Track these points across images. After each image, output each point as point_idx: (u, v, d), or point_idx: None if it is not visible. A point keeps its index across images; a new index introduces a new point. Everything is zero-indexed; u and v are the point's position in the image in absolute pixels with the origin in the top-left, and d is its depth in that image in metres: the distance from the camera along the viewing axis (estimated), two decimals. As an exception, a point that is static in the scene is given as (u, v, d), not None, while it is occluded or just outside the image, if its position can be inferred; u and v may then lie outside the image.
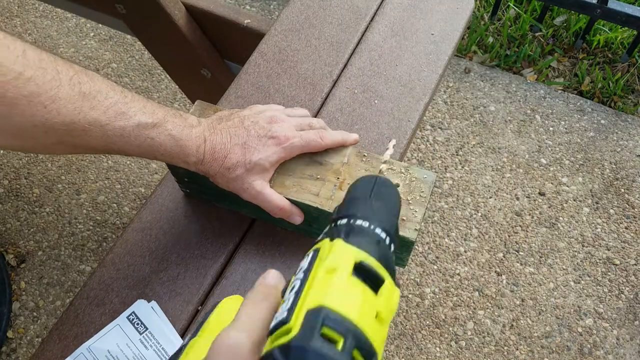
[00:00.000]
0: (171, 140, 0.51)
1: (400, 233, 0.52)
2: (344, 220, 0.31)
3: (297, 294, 0.27)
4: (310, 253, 0.30)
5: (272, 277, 0.32)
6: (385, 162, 0.56)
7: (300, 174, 0.56)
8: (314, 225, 0.58)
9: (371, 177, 0.36)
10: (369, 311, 0.27)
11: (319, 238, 0.31)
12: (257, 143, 0.53)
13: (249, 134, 0.54)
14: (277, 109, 0.59)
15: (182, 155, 0.52)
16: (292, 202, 0.55)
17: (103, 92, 0.47)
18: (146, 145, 0.50)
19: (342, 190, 0.54)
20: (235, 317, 0.28)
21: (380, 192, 0.34)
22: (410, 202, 0.54)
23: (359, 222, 0.31)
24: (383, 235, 0.31)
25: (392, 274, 0.29)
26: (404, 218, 0.53)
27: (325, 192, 0.54)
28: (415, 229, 0.52)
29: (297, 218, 0.56)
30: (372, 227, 0.31)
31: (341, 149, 0.58)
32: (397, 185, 0.50)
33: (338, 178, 0.55)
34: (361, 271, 0.27)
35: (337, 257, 0.28)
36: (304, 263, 0.29)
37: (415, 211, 0.53)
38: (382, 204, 0.33)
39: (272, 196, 0.54)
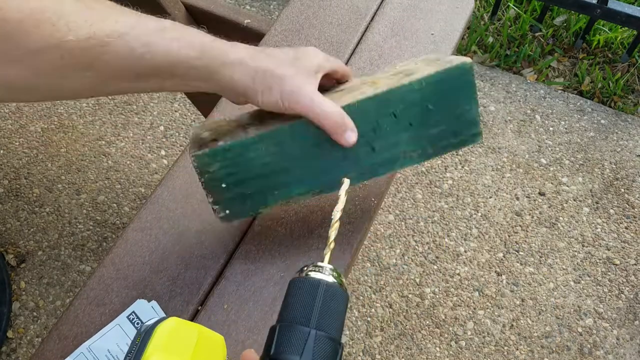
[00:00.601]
0: (199, 38, 0.45)
1: (456, 62, 0.50)
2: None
3: None
4: None
5: None
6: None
7: (353, 90, 0.53)
8: (377, 144, 0.52)
9: (314, 284, 0.34)
10: None
11: None
12: (297, 58, 0.50)
13: (288, 55, 0.50)
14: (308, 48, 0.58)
15: (219, 53, 0.46)
16: (351, 106, 0.50)
17: (109, 3, 0.42)
18: (177, 49, 0.43)
19: (384, 82, 0.52)
20: None
21: (326, 312, 0.32)
22: (446, 60, 0.53)
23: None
24: None
25: None
26: (447, 61, 0.51)
27: (371, 91, 0.51)
28: (469, 60, 0.51)
29: (351, 134, 0.49)
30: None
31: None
32: (344, 287, 0.38)
33: (375, 83, 0.53)
34: None
35: None
36: None
37: (456, 58, 0.52)
38: (328, 331, 0.31)
39: (326, 102, 0.48)
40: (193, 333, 0.38)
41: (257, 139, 0.49)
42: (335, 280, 0.34)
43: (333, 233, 0.40)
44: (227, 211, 0.52)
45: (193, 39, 0.45)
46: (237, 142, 0.49)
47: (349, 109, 0.49)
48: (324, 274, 0.35)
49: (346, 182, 0.43)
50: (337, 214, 0.41)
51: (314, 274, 0.34)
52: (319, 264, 0.36)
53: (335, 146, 0.50)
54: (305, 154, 0.51)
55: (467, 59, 0.52)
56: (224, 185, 0.50)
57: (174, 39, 0.44)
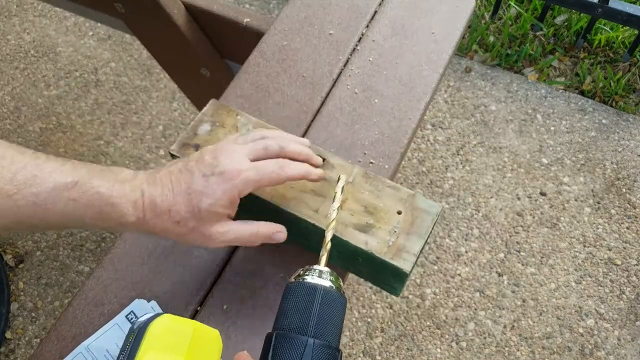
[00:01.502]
0: (99, 199, 0.43)
1: (395, 263, 0.50)
2: None
3: None
4: None
5: None
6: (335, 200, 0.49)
7: (302, 187, 0.54)
8: (311, 240, 0.56)
9: (311, 289, 0.33)
10: None
11: None
12: (203, 185, 0.45)
13: (192, 177, 0.45)
14: (229, 139, 0.50)
15: (116, 215, 0.44)
16: (289, 214, 0.53)
17: (7, 157, 0.41)
18: (69, 210, 0.42)
19: (342, 210, 0.53)
20: None
21: (324, 319, 0.31)
22: (409, 232, 0.52)
23: None
24: None
25: None
26: (401, 248, 0.51)
27: (324, 210, 0.53)
28: (411, 262, 0.50)
29: (280, 235, 0.50)
30: None
31: (347, 166, 0.55)
32: (340, 288, 0.37)
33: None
34: None
35: None
36: None
37: (414, 242, 0.51)
38: (327, 339, 0.30)
39: (241, 229, 0.47)
40: (188, 329, 0.38)
41: None
42: (332, 285, 0.33)
43: (329, 233, 0.39)
44: None
45: (93, 200, 0.43)
46: None
47: (292, 215, 0.52)
48: (321, 278, 0.33)
49: (342, 177, 0.41)
50: (333, 212, 0.40)
51: (310, 279, 0.33)
52: (315, 267, 0.35)
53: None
54: (269, 215, 0.55)
55: (414, 249, 0.50)
56: None
57: (71, 199, 0.42)
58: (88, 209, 0.43)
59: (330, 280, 0.34)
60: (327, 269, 0.35)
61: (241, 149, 0.48)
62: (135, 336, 0.40)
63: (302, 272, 0.35)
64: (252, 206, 0.56)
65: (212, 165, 0.46)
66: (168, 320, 0.39)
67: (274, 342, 0.30)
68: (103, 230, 0.42)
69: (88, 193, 0.43)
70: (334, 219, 0.38)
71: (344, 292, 0.34)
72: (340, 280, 0.36)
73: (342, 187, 0.41)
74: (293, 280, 0.34)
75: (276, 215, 0.54)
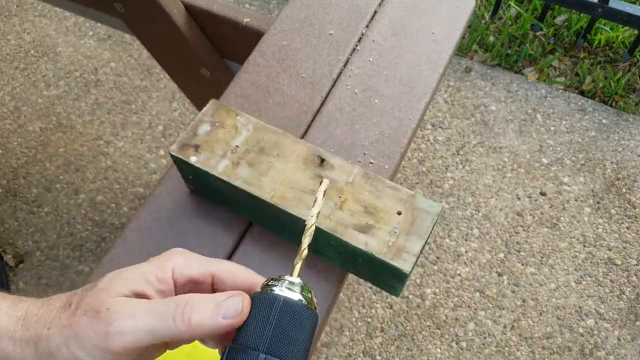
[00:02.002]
0: None
1: (395, 263, 0.49)
2: None
3: None
4: None
5: None
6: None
7: (301, 187, 0.54)
8: (311, 241, 0.56)
9: (270, 299, 0.29)
10: None
11: None
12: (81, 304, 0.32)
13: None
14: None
15: None
16: (288, 214, 0.53)
17: None
18: None
19: (342, 211, 0.53)
20: None
21: (282, 334, 0.28)
22: (409, 232, 0.51)
23: None
24: None
25: None
26: (401, 248, 0.50)
27: (324, 210, 0.53)
28: (411, 262, 0.50)
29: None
30: None
31: (347, 166, 0.55)
32: (310, 305, 0.32)
33: (340, 197, 0.53)
34: None
35: None
36: None
37: (414, 242, 0.51)
38: (280, 358, 0.27)
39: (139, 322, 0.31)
40: (185, 349, 0.36)
41: (223, 184, 0.55)
42: (301, 298, 0.29)
43: (306, 240, 0.33)
44: (192, 187, 0.61)
45: None
46: (205, 171, 0.54)
47: (291, 215, 0.52)
48: (290, 290, 0.30)
49: (325, 182, 0.37)
50: (311, 218, 0.35)
51: (276, 290, 0.29)
52: (286, 277, 0.30)
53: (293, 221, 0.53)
54: (261, 216, 0.57)
55: (414, 250, 0.50)
56: (190, 177, 0.58)
57: None
58: None
59: (299, 293, 0.30)
60: (298, 280, 0.31)
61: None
62: None
63: (270, 281, 0.31)
64: (251, 205, 0.56)
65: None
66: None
67: (226, 357, 0.28)
68: None
69: None
70: (312, 224, 0.34)
71: (315, 308, 0.30)
72: (314, 295, 0.32)
73: (324, 192, 0.36)
74: (259, 290, 0.31)
75: (276, 215, 0.54)
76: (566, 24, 1.68)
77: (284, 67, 0.71)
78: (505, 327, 1.24)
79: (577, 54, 1.65)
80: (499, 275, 1.31)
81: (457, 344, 1.22)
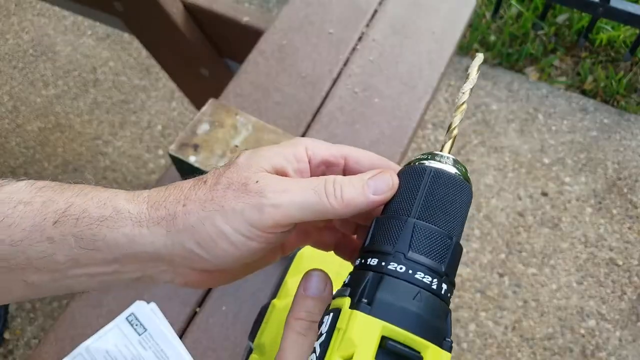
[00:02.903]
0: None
1: None
2: (374, 261, 0.24)
3: None
4: (331, 314, 0.24)
5: (316, 287, 0.27)
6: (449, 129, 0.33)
7: None
8: None
9: (420, 170, 0.26)
10: None
11: (340, 289, 0.25)
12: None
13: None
14: None
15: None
16: None
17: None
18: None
19: None
20: (281, 352, 0.25)
21: (433, 201, 0.25)
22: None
23: (392, 265, 0.24)
24: (428, 278, 0.23)
25: (438, 333, 0.23)
26: None
27: None
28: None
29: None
30: (410, 272, 0.23)
31: None
32: (467, 180, 0.29)
33: None
34: (389, 351, 0.22)
35: (354, 336, 0.22)
36: (324, 327, 0.24)
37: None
38: (435, 223, 0.25)
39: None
40: (333, 259, 0.36)
41: None
42: (454, 169, 0.27)
43: (458, 117, 0.30)
44: None
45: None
46: (205, 170, 0.54)
47: None
48: (440, 162, 0.27)
49: (479, 56, 0.33)
50: (464, 95, 0.31)
51: (426, 162, 0.27)
52: (436, 152, 0.28)
53: None
54: None
55: None
56: (188, 177, 0.58)
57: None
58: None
59: (452, 165, 0.27)
60: (451, 156, 0.28)
61: None
62: (285, 265, 0.41)
63: (419, 156, 0.28)
64: None
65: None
66: (315, 250, 0.37)
67: (374, 226, 0.26)
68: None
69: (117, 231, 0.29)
70: (464, 101, 0.30)
71: (469, 180, 0.28)
72: (467, 169, 0.29)
73: (478, 67, 0.32)
74: (404, 166, 0.29)
75: None
76: (567, 23, 1.67)
77: (284, 67, 0.70)
78: (506, 328, 1.24)
79: (579, 54, 1.65)
80: (500, 275, 1.30)
81: (458, 345, 1.22)
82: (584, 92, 1.59)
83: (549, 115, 1.53)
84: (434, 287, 0.24)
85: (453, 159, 0.28)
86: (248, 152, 0.30)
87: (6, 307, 1.23)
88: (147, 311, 0.56)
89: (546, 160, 1.46)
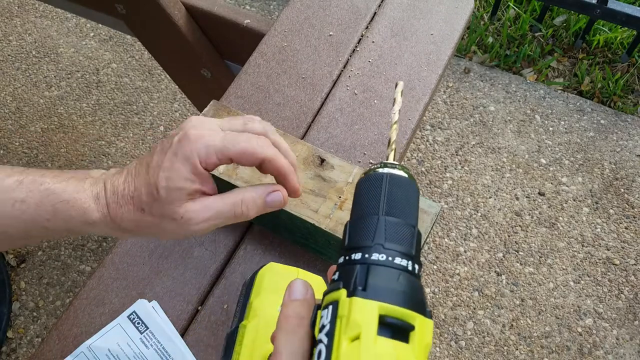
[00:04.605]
0: (51, 197, 0.38)
1: None
2: (358, 255, 0.28)
3: None
4: (330, 307, 0.27)
5: (300, 291, 0.30)
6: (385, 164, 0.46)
7: (302, 187, 0.54)
8: (310, 240, 0.56)
9: (378, 177, 0.31)
10: None
11: (332, 285, 0.28)
12: (160, 159, 0.38)
13: (153, 154, 0.39)
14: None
15: (77, 213, 0.38)
16: (289, 215, 0.53)
17: None
18: (18, 213, 0.37)
19: (342, 211, 0.53)
20: (276, 352, 0.28)
21: (394, 200, 0.31)
22: None
23: (375, 256, 0.28)
24: (404, 262, 0.28)
25: (421, 305, 0.27)
26: None
27: (324, 210, 0.53)
28: None
29: (276, 195, 0.41)
30: (390, 258, 0.28)
31: (347, 166, 0.55)
32: (413, 179, 0.36)
33: (340, 197, 0.53)
34: (387, 326, 0.26)
35: (358, 318, 0.25)
36: (325, 319, 0.27)
37: None
38: (399, 216, 0.30)
39: (219, 203, 0.40)
40: (293, 274, 0.42)
41: (223, 185, 0.54)
42: (402, 172, 0.32)
43: (394, 134, 0.36)
44: None
45: (43, 198, 0.38)
46: None
47: (292, 215, 0.53)
48: (391, 168, 0.33)
49: (400, 84, 0.40)
50: (395, 115, 0.38)
51: (379, 170, 0.33)
52: (384, 161, 0.34)
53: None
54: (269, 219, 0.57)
55: None
56: None
57: (18, 200, 0.38)
58: (40, 208, 0.37)
59: (400, 169, 0.33)
60: (395, 162, 0.34)
61: (214, 120, 0.40)
62: (246, 287, 0.45)
63: (372, 166, 0.34)
64: None
65: (173, 137, 0.39)
66: (272, 268, 0.43)
67: (349, 228, 0.31)
68: (72, 235, 0.35)
69: (36, 191, 0.37)
70: (396, 120, 0.37)
71: (414, 178, 0.34)
72: (409, 170, 0.36)
73: (401, 92, 0.38)
74: (362, 175, 0.34)
75: (276, 215, 0.54)
76: (565, 24, 1.68)
77: (284, 68, 0.72)
78: (504, 326, 1.25)
79: (576, 55, 1.66)
80: (498, 274, 1.31)
81: (456, 342, 1.23)
82: (581, 93, 1.60)
83: (546, 116, 1.54)
84: (410, 268, 0.28)
85: (398, 164, 0.34)
86: (162, 183, 0.38)
87: (9, 306, 1.24)
88: (148, 309, 0.56)
89: (543, 161, 1.47)
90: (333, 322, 0.26)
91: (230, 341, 0.42)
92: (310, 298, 0.30)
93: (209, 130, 0.38)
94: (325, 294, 0.28)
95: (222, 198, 0.40)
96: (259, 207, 0.41)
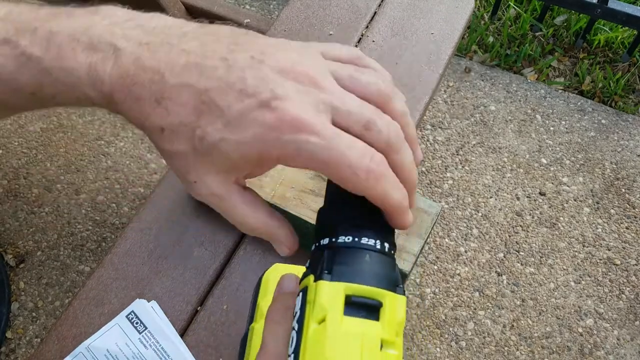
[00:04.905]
0: (29, 61, 0.27)
1: None
2: (326, 241, 0.28)
3: (296, 355, 0.26)
4: (300, 294, 0.28)
5: (288, 284, 0.30)
6: None
7: (302, 187, 0.54)
8: (310, 240, 0.56)
9: None
10: (372, 348, 0.25)
11: (305, 271, 0.29)
12: (232, 103, 0.25)
13: (228, 77, 0.26)
14: (312, 46, 0.29)
15: (66, 83, 0.27)
16: (290, 215, 0.53)
17: None
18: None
19: None
20: (262, 343, 0.28)
21: None
22: (409, 232, 0.51)
23: (341, 238, 0.28)
24: (372, 242, 0.27)
25: (391, 282, 0.27)
26: (400, 248, 0.50)
27: None
28: (411, 262, 0.50)
29: (284, 248, 0.33)
30: (356, 239, 0.27)
31: None
32: None
33: None
34: (355, 305, 0.26)
35: (323, 301, 0.25)
36: (297, 307, 0.27)
37: (413, 242, 0.51)
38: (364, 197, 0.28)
39: (241, 211, 0.30)
40: (296, 272, 0.41)
41: None
42: None
43: None
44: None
45: (22, 61, 0.27)
46: None
47: (292, 216, 0.53)
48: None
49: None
50: None
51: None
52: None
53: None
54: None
55: (414, 249, 0.51)
56: None
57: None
58: (21, 70, 0.27)
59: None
60: None
61: (325, 84, 0.27)
62: (255, 289, 0.45)
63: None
64: None
65: (267, 86, 0.25)
66: (279, 268, 0.43)
67: (319, 217, 0.31)
68: (77, 106, 0.28)
69: (15, 50, 0.27)
70: None
71: None
72: None
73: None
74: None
75: None
76: (565, 24, 1.68)
77: (284, 68, 0.71)
78: (504, 326, 1.25)
79: (577, 55, 1.65)
80: (499, 275, 1.31)
81: (456, 343, 1.23)
82: (582, 93, 1.59)
83: (547, 116, 1.54)
84: (378, 247, 0.28)
85: None
86: (209, 148, 0.27)
87: (8, 306, 1.24)
88: (147, 309, 0.56)
89: (544, 161, 1.47)
90: (303, 308, 0.27)
91: (243, 344, 0.43)
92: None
93: (310, 118, 0.25)
94: (300, 282, 0.29)
95: (248, 208, 0.30)
96: (264, 237, 0.33)
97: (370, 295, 0.26)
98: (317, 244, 0.29)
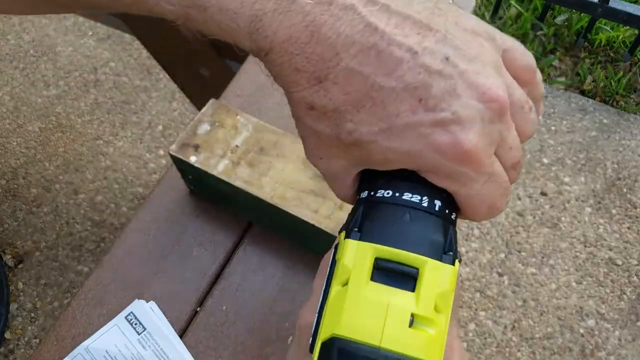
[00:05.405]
0: None
1: None
2: (365, 194, 0.25)
3: (320, 315, 0.23)
4: (332, 249, 0.25)
5: (308, 317, 0.27)
6: None
7: (302, 187, 0.54)
8: (310, 240, 0.56)
9: None
10: (399, 322, 0.21)
11: (343, 225, 0.26)
12: (402, 112, 0.22)
13: (410, 78, 0.22)
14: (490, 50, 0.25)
15: (218, 26, 0.24)
16: (289, 215, 0.53)
17: None
18: None
19: (342, 211, 0.52)
20: (312, 293, 0.27)
21: None
22: None
23: (380, 192, 0.24)
24: (416, 198, 0.23)
25: (437, 248, 0.23)
26: None
27: (324, 211, 0.52)
28: None
29: None
30: (397, 194, 0.23)
31: None
32: None
33: None
34: (385, 270, 0.22)
35: (347, 261, 0.23)
36: (329, 264, 0.25)
37: None
38: None
39: (348, 188, 0.28)
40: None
41: (223, 184, 0.54)
42: None
43: None
44: (192, 187, 0.61)
45: None
46: (205, 171, 0.54)
47: (292, 216, 0.53)
48: None
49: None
50: None
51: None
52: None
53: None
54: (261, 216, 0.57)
55: None
56: (190, 177, 0.58)
57: None
58: None
59: None
60: None
61: (507, 115, 0.24)
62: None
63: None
64: (251, 205, 0.55)
65: (453, 97, 0.22)
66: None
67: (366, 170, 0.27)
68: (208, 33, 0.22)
69: None
70: None
71: None
72: None
73: None
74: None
75: (276, 215, 0.54)
76: (566, 23, 1.67)
77: (284, 66, 0.71)
78: (505, 327, 1.24)
79: (578, 54, 1.65)
80: (500, 275, 1.30)
81: (457, 344, 1.22)
82: (583, 93, 1.59)
83: (548, 116, 1.54)
84: (425, 204, 0.23)
85: None
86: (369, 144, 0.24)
87: (7, 307, 1.24)
88: (146, 310, 0.56)
89: (545, 160, 1.46)
90: (332, 266, 0.24)
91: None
92: None
93: (483, 150, 0.23)
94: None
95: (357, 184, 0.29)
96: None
97: (406, 261, 0.22)
98: (358, 198, 0.26)
